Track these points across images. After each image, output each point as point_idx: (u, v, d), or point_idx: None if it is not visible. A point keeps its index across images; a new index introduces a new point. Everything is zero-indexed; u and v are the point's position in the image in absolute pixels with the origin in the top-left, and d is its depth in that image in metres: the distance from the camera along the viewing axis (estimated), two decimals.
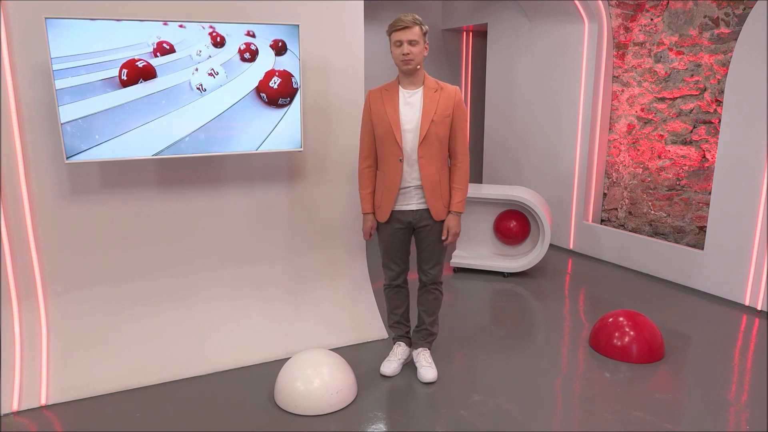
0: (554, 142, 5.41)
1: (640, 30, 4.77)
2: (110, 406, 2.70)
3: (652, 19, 4.66)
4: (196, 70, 2.78)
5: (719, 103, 4.21)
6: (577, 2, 4.84)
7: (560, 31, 5.21)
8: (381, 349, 3.23)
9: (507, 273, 4.61)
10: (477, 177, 7.07)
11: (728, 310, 3.90)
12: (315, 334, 3.29)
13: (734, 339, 3.46)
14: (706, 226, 4.33)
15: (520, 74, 5.76)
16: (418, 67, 2.66)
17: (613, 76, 5.02)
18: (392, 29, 2.61)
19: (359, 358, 3.13)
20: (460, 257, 4.72)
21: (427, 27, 2.65)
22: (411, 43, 2.59)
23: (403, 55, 2.59)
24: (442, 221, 2.78)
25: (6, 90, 2.60)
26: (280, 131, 3.02)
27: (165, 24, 2.69)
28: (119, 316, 2.99)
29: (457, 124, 2.73)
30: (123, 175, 2.92)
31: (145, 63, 2.68)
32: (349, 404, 2.70)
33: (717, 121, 4.24)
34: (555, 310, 3.94)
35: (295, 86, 2.98)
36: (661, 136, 4.68)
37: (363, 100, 2.95)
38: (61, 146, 2.67)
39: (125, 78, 2.67)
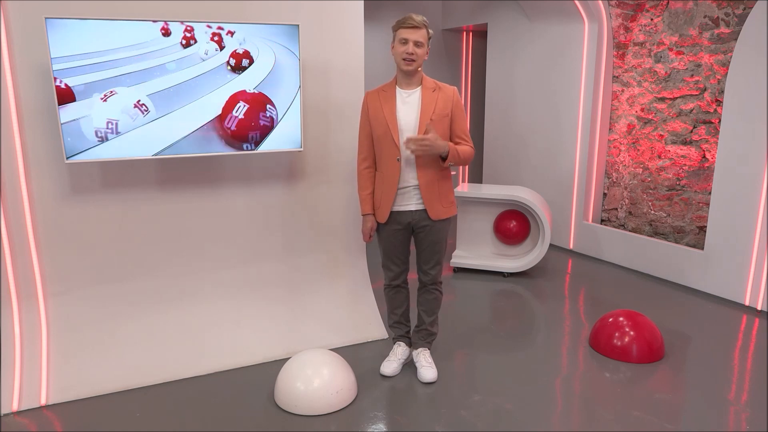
0: (554, 142, 5.41)
1: (640, 30, 4.77)
2: (110, 406, 2.70)
3: (652, 19, 4.66)
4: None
5: (719, 103, 4.21)
6: (577, 2, 4.84)
7: (560, 31, 5.21)
8: (381, 349, 3.23)
9: (507, 273, 4.61)
10: (477, 177, 7.08)
11: (728, 310, 3.90)
12: (315, 334, 3.29)
13: (734, 339, 3.46)
14: (706, 226, 4.33)
15: (520, 74, 5.76)
16: (419, 69, 2.65)
17: (613, 76, 5.02)
18: (401, 26, 2.58)
19: (359, 358, 3.13)
20: (460, 257, 4.72)
21: (432, 31, 2.64)
22: (417, 44, 2.57)
23: (407, 54, 2.57)
24: (442, 221, 2.78)
25: (6, 90, 2.60)
26: (280, 131, 3.02)
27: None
28: (119, 316, 2.99)
29: (456, 123, 2.73)
30: (123, 175, 2.92)
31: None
32: (349, 404, 2.70)
33: (717, 121, 4.24)
34: (555, 310, 3.93)
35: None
36: (661, 136, 4.68)
37: (362, 101, 2.95)
38: (61, 146, 2.67)
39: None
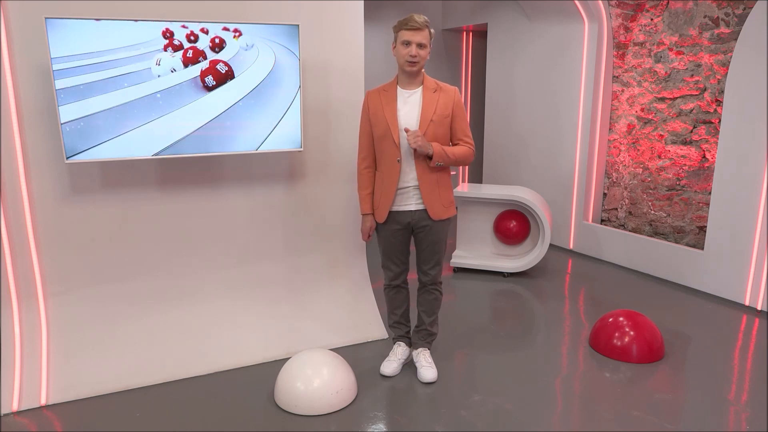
0: (554, 142, 5.41)
1: (640, 30, 4.77)
2: (110, 406, 2.70)
3: (652, 19, 4.66)
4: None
5: (719, 103, 4.21)
6: (577, 2, 4.84)
7: (560, 31, 5.21)
8: (381, 349, 3.23)
9: (507, 273, 4.61)
10: (477, 177, 7.08)
11: (728, 310, 3.90)
12: (315, 334, 3.29)
13: (734, 339, 3.46)
14: (706, 226, 4.33)
15: (520, 74, 5.76)
16: (421, 69, 2.65)
17: (613, 76, 5.01)
18: (403, 27, 2.57)
19: (359, 358, 3.13)
20: (460, 257, 4.72)
21: (433, 30, 2.63)
22: (420, 45, 2.56)
23: (411, 56, 2.57)
24: (441, 221, 2.78)
25: (6, 90, 2.60)
26: (280, 131, 3.02)
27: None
28: (119, 316, 2.99)
29: (457, 122, 2.73)
30: (123, 175, 2.92)
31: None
32: (349, 404, 2.70)
33: (717, 121, 4.24)
34: (555, 310, 3.93)
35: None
36: (661, 136, 4.68)
37: (363, 100, 2.95)
38: (61, 146, 2.67)
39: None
